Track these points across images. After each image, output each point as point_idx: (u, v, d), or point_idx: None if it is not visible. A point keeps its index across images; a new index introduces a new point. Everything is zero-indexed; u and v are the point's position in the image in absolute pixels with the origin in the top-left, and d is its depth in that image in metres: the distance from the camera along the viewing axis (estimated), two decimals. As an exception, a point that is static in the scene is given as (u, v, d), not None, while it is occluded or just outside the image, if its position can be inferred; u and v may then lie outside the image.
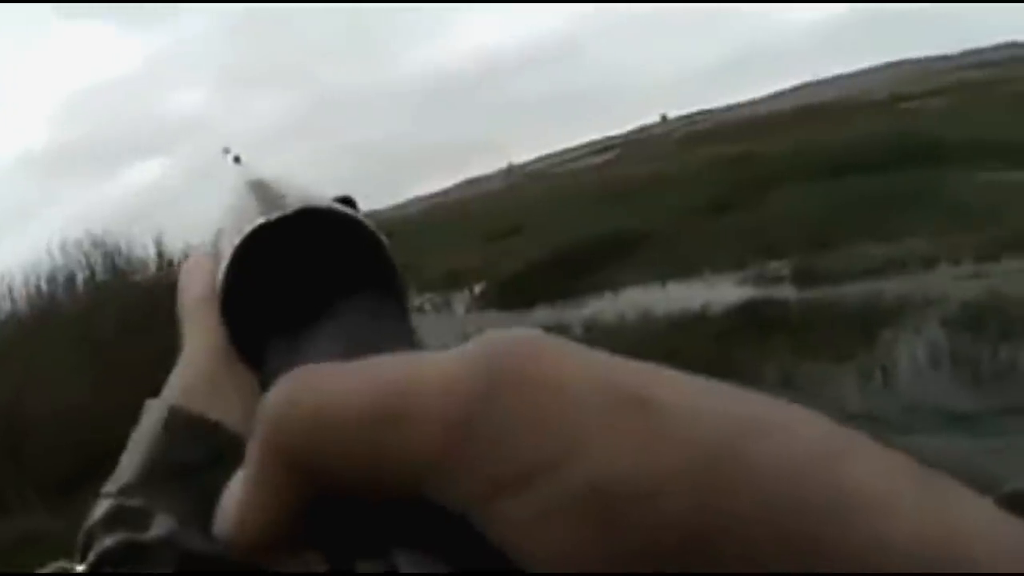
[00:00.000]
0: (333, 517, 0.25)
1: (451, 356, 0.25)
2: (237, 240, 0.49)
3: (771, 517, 0.21)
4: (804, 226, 11.84)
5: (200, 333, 0.66)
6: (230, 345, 0.54)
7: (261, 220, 0.48)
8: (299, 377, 0.26)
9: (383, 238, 0.49)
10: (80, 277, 11.78)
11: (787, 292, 9.63)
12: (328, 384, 0.25)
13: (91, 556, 0.67)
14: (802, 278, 9.87)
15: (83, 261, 11.79)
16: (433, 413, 0.24)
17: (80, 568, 0.68)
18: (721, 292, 10.25)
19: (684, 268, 11.66)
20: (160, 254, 12.02)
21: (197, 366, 0.68)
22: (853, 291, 8.78)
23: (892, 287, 8.67)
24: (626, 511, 0.22)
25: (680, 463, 0.22)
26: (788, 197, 14.35)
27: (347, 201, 0.52)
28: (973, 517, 0.22)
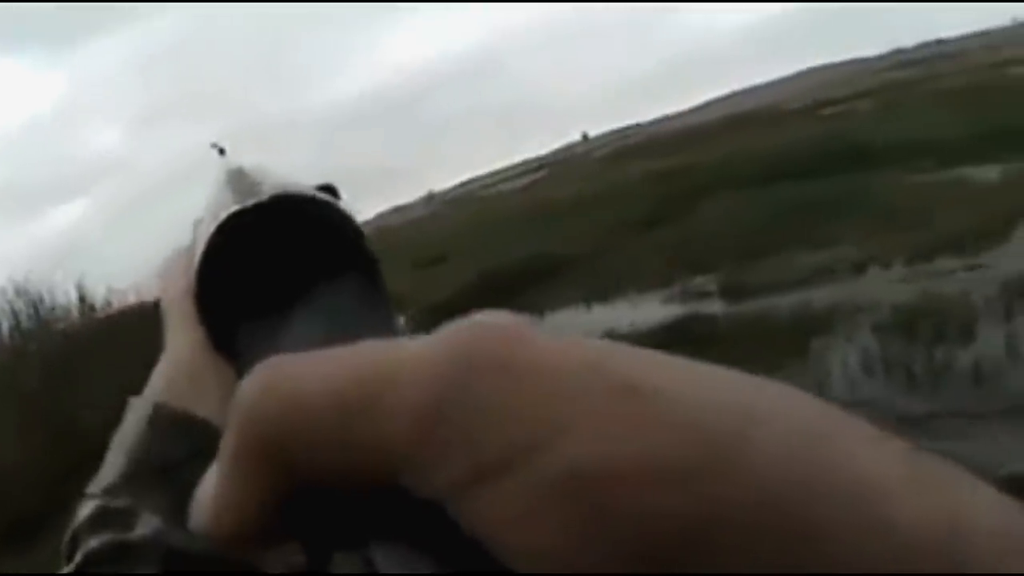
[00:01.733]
0: (310, 509, 0.25)
1: (426, 341, 0.25)
2: (211, 229, 0.48)
3: (772, 504, 0.21)
4: (732, 238, 11.97)
5: (181, 328, 0.67)
6: (208, 337, 0.54)
7: (235, 208, 0.48)
8: (271, 366, 0.26)
9: (359, 225, 0.49)
10: (5, 326, 11.70)
11: (715, 307, 9.69)
12: (300, 373, 0.25)
13: (77, 558, 0.68)
14: (730, 292, 9.94)
15: (6, 309, 11.70)
16: (406, 401, 0.23)
17: (66, 570, 0.68)
18: (648, 311, 10.29)
19: (611, 288, 11.72)
20: (82, 299, 11.91)
21: (179, 362, 0.69)
22: (783, 302, 8.86)
23: (822, 295, 8.78)
24: (616, 500, 0.21)
25: (676, 450, 0.22)
26: (716, 210, 14.52)
27: (328, 190, 0.53)
28: (973, 499, 0.22)
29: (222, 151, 0.86)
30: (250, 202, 0.48)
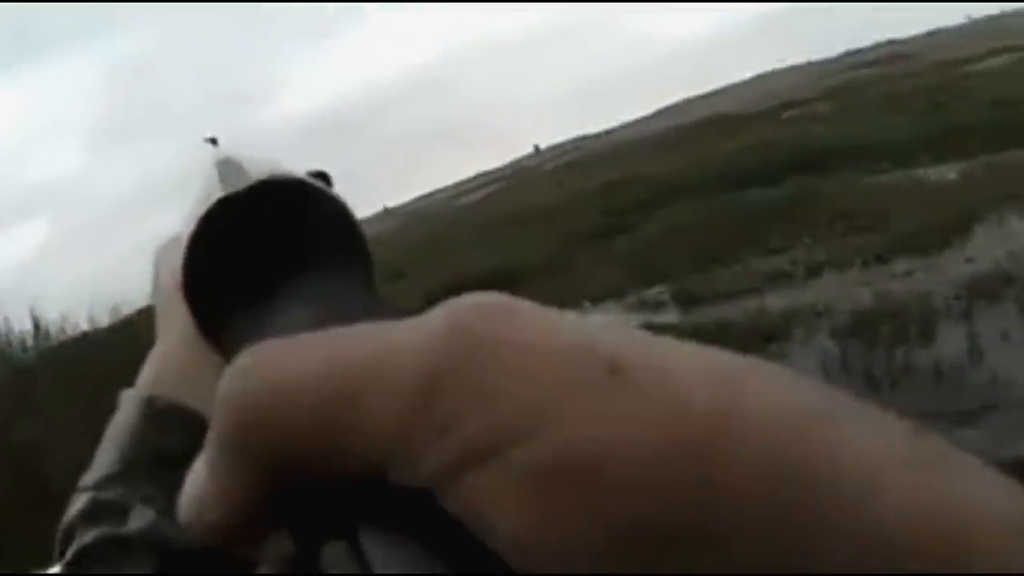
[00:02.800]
0: (298, 497, 0.25)
1: (413, 324, 0.25)
2: (198, 217, 0.48)
3: (764, 486, 0.21)
4: (687, 247, 12.05)
5: (173, 321, 0.68)
6: (197, 327, 0.53)
7: (222, 194, 0.48)
8: (255, 353, 0.26)
9: (349, 209, 0.49)
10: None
11: (672, 316, 9.74)
12: (285, 360, 0.25)
13: (70, 552, 0.69)
14: (686, 300, 10.02)
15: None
16: (392, 387, 0.23)
17: (57, 567, 0.69)
18: (605, 321, 10.21)
19: (567, 299, 11.73)
20: (37, 326, 11.78)
21: (172, 354, 0.72)
22: (739, 309, 8.95)
23: (778, 301, 8.87)
24: (608, 482, 0.21)
25: (667, 430, 0.22)
26: (670, 219, 14.61)
27: (321, 176, 0.53)
28: (975, 483, 0.22)
29: (214, 141, 0.85)
30: (238, 188, 0.48)
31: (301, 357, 0.25)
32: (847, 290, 8.63)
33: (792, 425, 0.22)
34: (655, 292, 10.97)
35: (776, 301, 8.86)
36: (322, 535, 0.25)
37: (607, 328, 0.25)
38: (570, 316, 0.25)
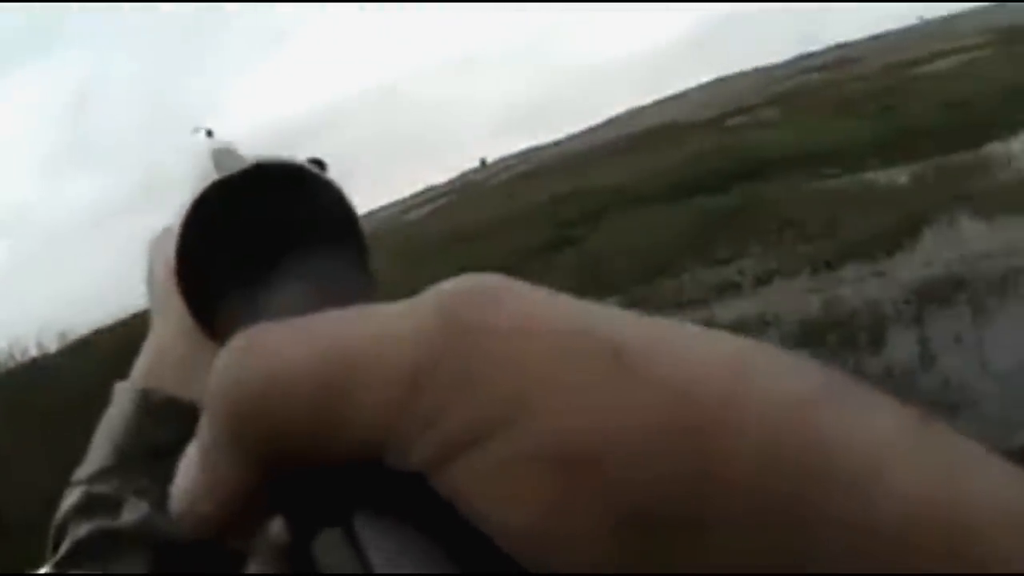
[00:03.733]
0: (292, 484, 0.25)
1: (403, 310, 0.25)
2: (189, 204, 0.48)
3: (762, 473, 0.21)
4: (636, 257, 12.10)
5: (167, 311, 0.69)
6: (191, 313, 0.52)
7: (215, 178, 0.48)
8: (246, 338, 0.26)
9: (344, 193, 0.49)
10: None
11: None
12: (276, 345, 0.25)
13: (64, 547, 0.69)
14: (636, 311, 9.94)
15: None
16: (384, 371, 0.23)
17: (53, 560, 0.69)
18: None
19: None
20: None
21: (166, 346, 0.72)
22: (688, 319, 8.82)
23: (727, 310, 8.92)
24: (603, 466, 0.21)
25: (664, 414, 0.22)
26: (618, 230, 14.66)
27: (317, 164, 0.52)
28: (978, 472, 0.21)
29: (209, 132, 0.85)
30: (231, 172, 0.48)
31: (294, 340, 0.25)
32: (796, 298, 8.69)
33: (791, 415, 0.22)
34: (606, 303, 10.89)
35: (725, 311, 8.90)
36: (316, 522, 0.25)
37: (606, 312, 0.25)
38: (568, 299, 0.25)
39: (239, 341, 0.26)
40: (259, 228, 0.47)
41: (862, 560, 0.20)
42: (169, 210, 0.52)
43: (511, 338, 0.23)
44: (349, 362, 0.24)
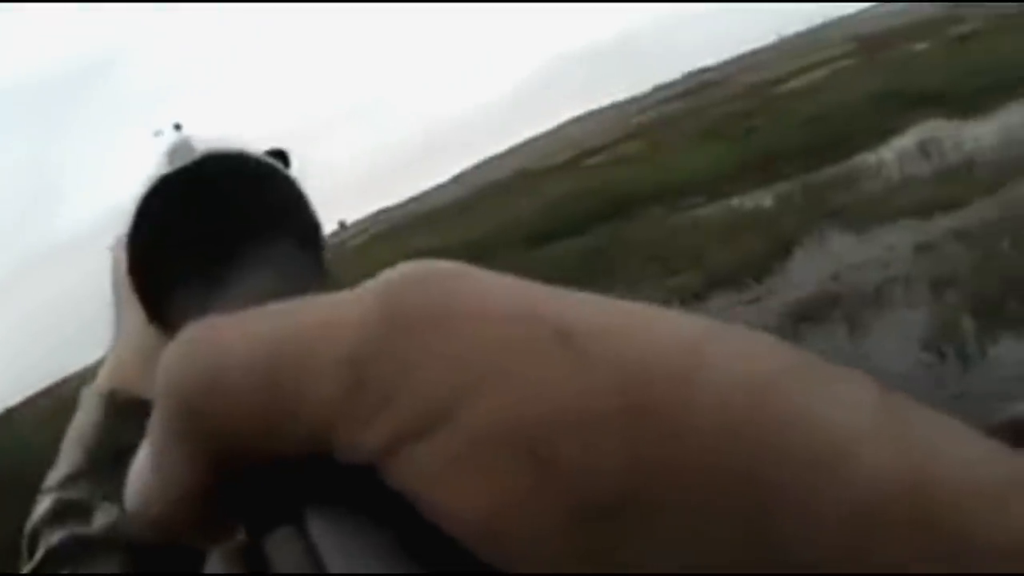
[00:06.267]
0: (246, 486, 0.26)
1: (350, 298, 0.26)
2: (139, 199, 0.49)
3: (719, 455, 0.21)
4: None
5: (129, 310, 0.70)
6: (145, 309, 0.53)
7: (165, 172, 0.49)
8: (192, 332, 0.26)
9: (297, 183, 0.50)
10: None
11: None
12: (222, 337, 0.26)
13: (38, 554, 0.74)
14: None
15: None
16: (329, 360, 0.24)
17: (27, 567, 0.74)
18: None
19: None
20: None
21: (130, 345, 0.76)
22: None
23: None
24: (553, 449, 0.22)
25: (616, 396, 0.22)
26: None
27: (279, 155, 0.56)
28: (953, 446, 0.22)
29: (178, 126, 0.85)
30: (181, 164, 0.49)
31: (239, 333, 0.26)
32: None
33: (752, 394, 0.22)
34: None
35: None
36: (269, 520, 0.26)
37: (555, 293, 0.25)
38: (517, 282, 0.26)
39: (184, 335, 0.26)
40: (211, 221, 0.48)
41: (828, 539, 0.21)
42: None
43: (456, 324, 0.24)
44: (291, 354, 0.25)
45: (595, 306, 0.25)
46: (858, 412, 0.22)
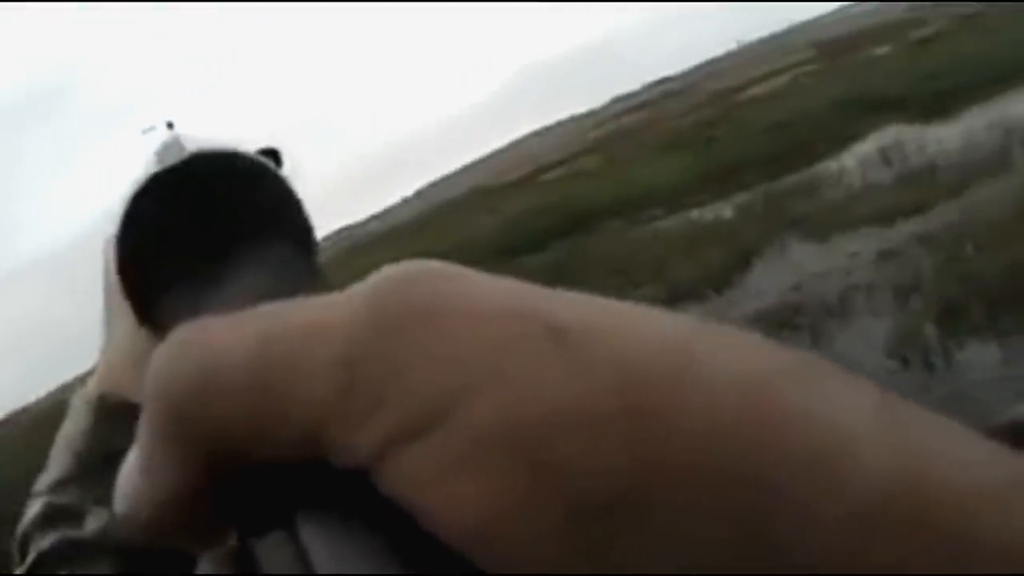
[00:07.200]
0: (237, 490, 0.26)
1: (340, 300, 0.26)
2: (128, 199, 0.48)
3: (714, 455, 0.21)
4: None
5: (121, 314, 0.72)
6: (135, 312, 0.52)
7: (153, 171, 0.48)
8: (182, 333, 0.27)
9: (289, 183, 0.50)
10: None
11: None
12: (213, 339, 0.26)
13: (29, 558, 0.75)
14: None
15: None
16: (320, 362, 0.24)
17: (19, 571, 0.76)
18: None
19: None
20: None
21: (121, 349, 0.77)
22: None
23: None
24: (547, 450, 0.22)
25: (610, 395, 0.22)
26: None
27: (271, 154, 0.57)
28: (953, 447, 0.22)
29: (170, 124, 0.84)
30: (169, 163, 0.48)
31: (231, 334, 0.26)
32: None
33: (748, 393, 0.22)
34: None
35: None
36: (260, 523, 0.26)
37: (548, 293, 0.26)
38: (508, 282, 0.26)
39: (175, 337, 0.27)
40: (202, 221, 0.48)
41: (826, 540, 0.21)
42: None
43: (448, 324, 0.24)
44: (282, 355, 0.25)
45: (586, 304, 0.25)
46: (856, 413, 0.22)
